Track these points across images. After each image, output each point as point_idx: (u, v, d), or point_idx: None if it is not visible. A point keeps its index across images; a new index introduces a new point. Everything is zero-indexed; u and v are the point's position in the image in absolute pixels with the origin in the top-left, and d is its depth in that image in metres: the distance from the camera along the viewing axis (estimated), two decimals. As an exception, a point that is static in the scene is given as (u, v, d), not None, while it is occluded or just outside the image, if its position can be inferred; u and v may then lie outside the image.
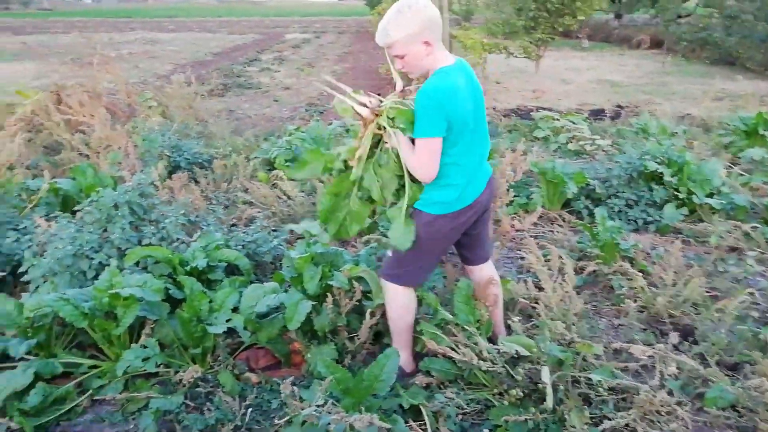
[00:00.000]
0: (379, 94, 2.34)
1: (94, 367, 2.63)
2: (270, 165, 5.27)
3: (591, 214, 4.22)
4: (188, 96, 7.31)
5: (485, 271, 2.64)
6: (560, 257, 2.94)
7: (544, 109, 7.91)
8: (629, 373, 2.49)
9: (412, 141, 2.19)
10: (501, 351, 2.37)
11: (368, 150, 2.26)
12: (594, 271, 3.38)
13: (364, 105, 2.23)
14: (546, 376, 2.21)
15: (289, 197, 4.39)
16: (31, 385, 2.41)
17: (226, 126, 6.56)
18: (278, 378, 2.54)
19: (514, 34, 11.30)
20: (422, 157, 2.14)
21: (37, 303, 2.53)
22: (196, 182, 4.74)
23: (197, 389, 2.52)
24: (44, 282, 2.97)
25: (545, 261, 3.02)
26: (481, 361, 2.34)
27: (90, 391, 2.52)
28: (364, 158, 2.26)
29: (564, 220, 4.29)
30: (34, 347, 2.59)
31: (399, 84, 2.32)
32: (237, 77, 11.30)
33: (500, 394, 2.37)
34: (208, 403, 2.44)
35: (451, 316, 2.57)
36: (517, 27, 11.18)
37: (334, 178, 2.37)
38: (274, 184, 4.74)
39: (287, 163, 5.11)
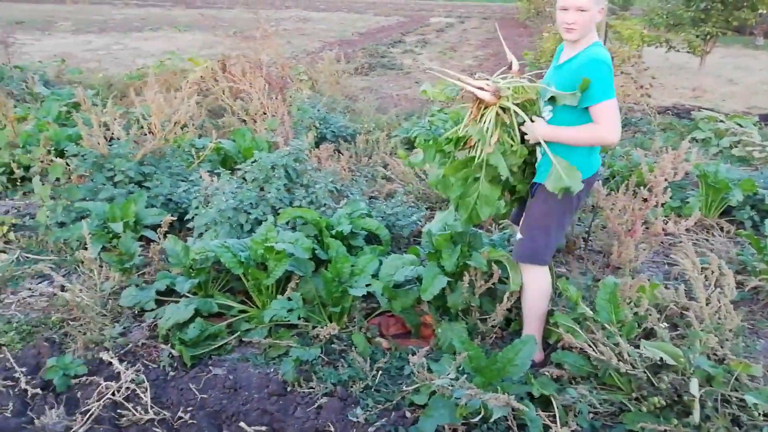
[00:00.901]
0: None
1: (243, 311, 2.88)
2: (410, 144, 5.37)
3: (755, 227, 3.83)
4: (336, 73, 7.64)
5: None
6: (720, 267, 2.71)
7: (705, 109, 7.23)
8: (790, 402, 2.24)
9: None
10: (643, 355, 2.25)
11: (491, 131, 2.29)
12: (755, 287, 3.09)
13: (481, 88, 2.27)
14: (695, 388, 2.06)
15: (427, 176, 4.45)
16: (191, 320, 2.69)
17: (371, 103, 6.76)
18: (412, 346, 2.62)
19: (680, 26, 10.36)
20: (611, 119, 2.21)
21: (202, 247, 2.81)
22: (341, 154, 4.95)
23: (332, 345, 2.67)
24: (206, 230, 3.29)
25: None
26: (620, 363, 2.23)
27: (238, 333, 2.76)
28: (497, 142, 2.29)
29: (722, 229, 3.93)
30: (194, 286, 2.90)
31: (515, 64, 2.41)
32: (381, 57, 11.55)
33: (637, 399, 2.26)
34: (341, 360, 2.58)
35: (591, 312, 2.48)
36: (684, 19, 10.23)
37: (458, 163, 2.39)
38: (412, 163, 4.83)
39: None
